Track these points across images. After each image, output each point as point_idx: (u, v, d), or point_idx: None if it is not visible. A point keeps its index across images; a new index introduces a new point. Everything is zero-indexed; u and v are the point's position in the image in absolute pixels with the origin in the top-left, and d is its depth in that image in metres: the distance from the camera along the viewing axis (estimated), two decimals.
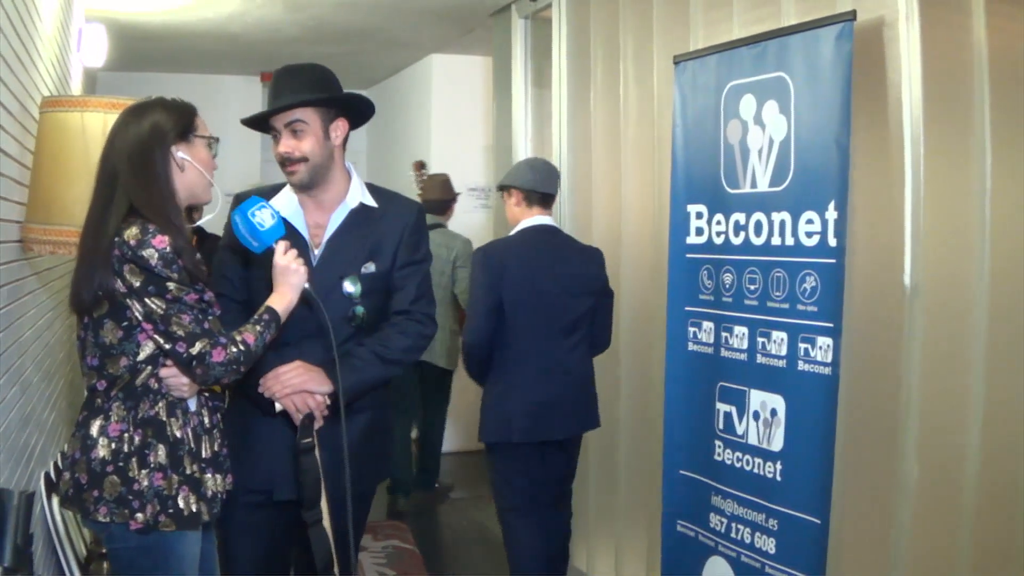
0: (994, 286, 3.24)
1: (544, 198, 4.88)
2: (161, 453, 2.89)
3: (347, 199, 3.44)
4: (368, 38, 8.23)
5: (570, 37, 6.04)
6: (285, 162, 3.34)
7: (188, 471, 2.93)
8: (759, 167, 3.82)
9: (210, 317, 2.95)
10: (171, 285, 2.82)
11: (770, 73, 3.77)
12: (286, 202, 3.43)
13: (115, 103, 3.44)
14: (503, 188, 4.91)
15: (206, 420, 3.04)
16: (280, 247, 3.15)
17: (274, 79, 3.39)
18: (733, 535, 3.92)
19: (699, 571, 4.13)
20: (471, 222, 8.87)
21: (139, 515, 2.85)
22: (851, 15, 3.45)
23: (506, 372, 4.76)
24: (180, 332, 2.84)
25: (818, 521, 3.52)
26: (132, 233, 2.80)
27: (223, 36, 8.10)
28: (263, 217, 3.12)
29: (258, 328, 3.00)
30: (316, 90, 3.36)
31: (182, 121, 3.00)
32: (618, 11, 5.37)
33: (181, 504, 2.91)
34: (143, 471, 2.86)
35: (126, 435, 2.87)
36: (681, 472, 4.26)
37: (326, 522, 3.28)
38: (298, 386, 3.28)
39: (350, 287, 3.36)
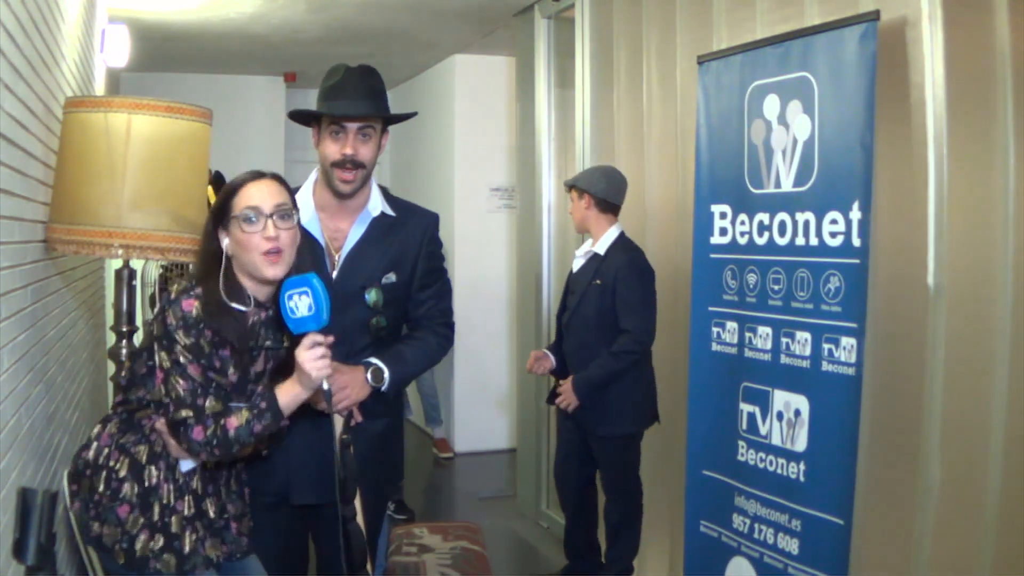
0: (1017, 286, 3.22)
1: (615, 208, 5.19)
2: (131, 489, 2.93)
3: (369, 206, 3.43)
4: (391, 38, 8.23)
5: (593, 37, 6.04)
6: (346, 164, 3.29)
7: (156, 518, 2.94)
8: (783, 167, 3.81)
9: (211, 396, 2.86)
10: (178, 348, 2.82)
11: (794, 73, 3.77)
12: (301, 207, 3.32)
13: (139, 103, 3.44)
14: (575, 188, 5.09)
15: (195, 483, 3.01)
16: (307, 340, 2.85)
17: (346, 76, 3.31)
18: (756, 535, 3.92)
19: (722, 571, 4.13)
20: (494, 222, 8.88)
21: (95, 524, 2.91)
22: (875, 15, 3.44)
23: (646, 368, 5.14)
24: (173, 394, 2.84)
25: (841, 522, 3.51)
26: (178, 287, 2.87)
27: (246, 36, 8.12)
28: (297, 304, 2.85)
29: (246, 415, 2.84)
30: (385, 99, 3.37)
31: (222, 205, 2.93)
32: (641, 11, 5.36)
33: (138, 546, 2.90)
34: (107, 491, 2.92)
35: (107, 449, 2.96)
36: (704, 472, 4.26)
37: (359, 519, 3.30)
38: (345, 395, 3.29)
39: (372, 297, 3.35)
